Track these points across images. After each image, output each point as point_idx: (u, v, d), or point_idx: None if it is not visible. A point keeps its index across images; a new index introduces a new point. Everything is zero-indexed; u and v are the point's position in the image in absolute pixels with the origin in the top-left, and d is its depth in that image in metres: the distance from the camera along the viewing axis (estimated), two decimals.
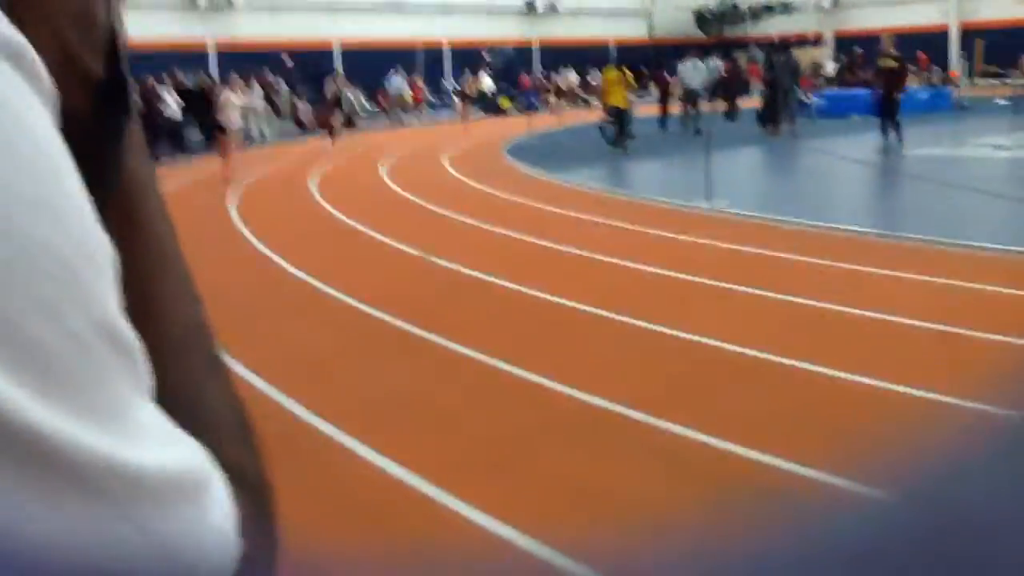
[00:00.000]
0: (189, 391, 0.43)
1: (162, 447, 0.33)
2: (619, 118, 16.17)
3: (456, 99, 27.64)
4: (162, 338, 0.41)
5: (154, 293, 0.44)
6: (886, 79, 14.40)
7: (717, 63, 24.31)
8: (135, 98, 0.46)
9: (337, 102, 20.78)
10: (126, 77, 0.44)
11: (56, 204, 0.31)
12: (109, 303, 0.33)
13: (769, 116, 18.25)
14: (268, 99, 23.18)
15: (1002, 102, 22.17)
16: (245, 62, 24.28)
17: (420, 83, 29.62)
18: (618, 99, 16.17)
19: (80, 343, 0.31)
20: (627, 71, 16.74)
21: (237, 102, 14.94)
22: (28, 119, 0.31)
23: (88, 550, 0.30)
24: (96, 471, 0.30)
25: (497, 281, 6.95)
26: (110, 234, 0.34)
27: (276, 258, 8.17)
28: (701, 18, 39.51)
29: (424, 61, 30.29)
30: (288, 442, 4.01)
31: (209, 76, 23.09)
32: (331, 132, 19.39)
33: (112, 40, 0.44)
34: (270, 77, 24.67)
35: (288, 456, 3.81)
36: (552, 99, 26.14)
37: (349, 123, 25.42)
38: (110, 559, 0.30)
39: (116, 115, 0.44)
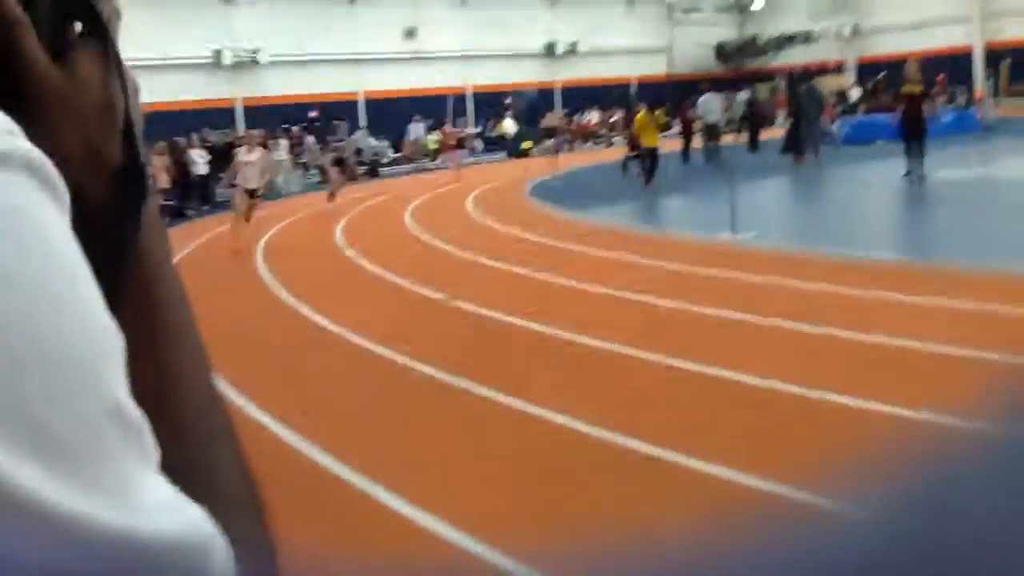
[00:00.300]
0: (202, 460, 0.45)
1: (167, 516, 0.36)
2: (651, 157, 16.28)
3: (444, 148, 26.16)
4: (177, 410, 0.45)
5: (169, 367, 0.46)
6: (910, 104, 14.26)
7: (744, 96, 24.37)
8: (150, 180, 0.48)
9: (339, 158, 18.60)
10: (143, 163, 0.46)
11: (68, 300, 0.34)
12: (116, 387, 0.35)
13: (793, 146, 18.19)
14: (293, 152, 23.49)
15: None
16: (272, 117, 24.68)
17: (450, 129, 29.91)
18: (650, 139, 16.35)
19: (89, 426, 0.33)
20: (657, 112, 16.98)
21: (250, 159, 12.73)
22: (44, 224, 0.34)
23: None
24: (107, 542, 0.32)
25: (522, 323, 6.92)
26: (127, 312, 0.37)
27: (301, 306, 8.18)
28: (721, 52, 39.63)
29: (451, 107, 30.59)
30: (311, 490, 3.98)
31: (235, 133, 23.47)
32: (331, 191, 17.23)
33: (129, 127, 0.46)
34: (296, 131, 25.00)
35: (311, 504, 3.77)
36: (548, 142, 25.24)
37: (373, 172, 25.69)
38: None
39: (134, 199, 0.46)
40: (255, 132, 14.37)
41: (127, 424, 0.36)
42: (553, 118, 26.70)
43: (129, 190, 0.45)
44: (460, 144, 25.53)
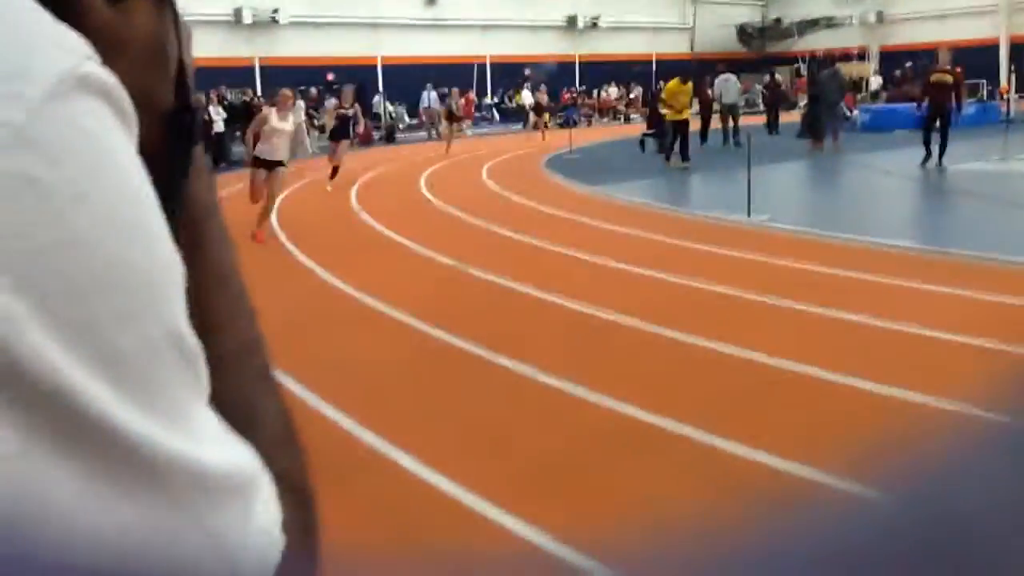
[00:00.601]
0: (243, 401, 0.46)
1: (218, 448, 0.36)
2: (680, 132, 15.59)
3: (443, 119, 23.42)
4: (220, 351, 0.44)
5: (213, 310, 0.46)
6: (938, 93, 14.08)
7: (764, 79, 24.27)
8: (200, 125, 0.49)
9: (344, 121, 14.62)
10: (194, 107, 0.47)
11: (138, 224, 0.35)
12: (179, 314, 0.36)
13: (811, 130, 18.07)
14: (309, 114, 23.47)
15: None
16: (289, 78, 24.59)
17: (472, 98, 29.90)
18: (683, 112, 15.51)
19: (153, 349, 0.34)
20: (688, 84, 15.93)
21: (281, 126, 9.66)
22: (118, 150, 0.35)
23: (150, 537, 0.33)
24: (163, 465, 0.33)
25: (540, 295, 6.91)
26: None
27: (320, 271, 8.21)
28: (743, 34, 39.32)
29: (466, 76, 30.45)
30: (337, 457, 3.99)
31: (252, 92, 23.41)
32: (333, 164, 14.27)
33: (182, 72, 0.47)
34: (314, 92, 24.94)
35: (338, 471, 3.79)
36: (533, 118, 23.23)
37: (390, 138, 25.64)
38: (168, 546, 0.33)
39: (184, 143, 0.47)
40: (288, 91, 10.38)
41: (186, 351, 0.36)
42: (540, 95, 25.20)
43: (180, 133, 0.46)
44: (452, 117, 22.70)
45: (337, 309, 6.84)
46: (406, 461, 3.88)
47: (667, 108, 15.79)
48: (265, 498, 0.38)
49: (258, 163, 9.71)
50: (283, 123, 9.62)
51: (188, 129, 0.47)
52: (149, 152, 0.40)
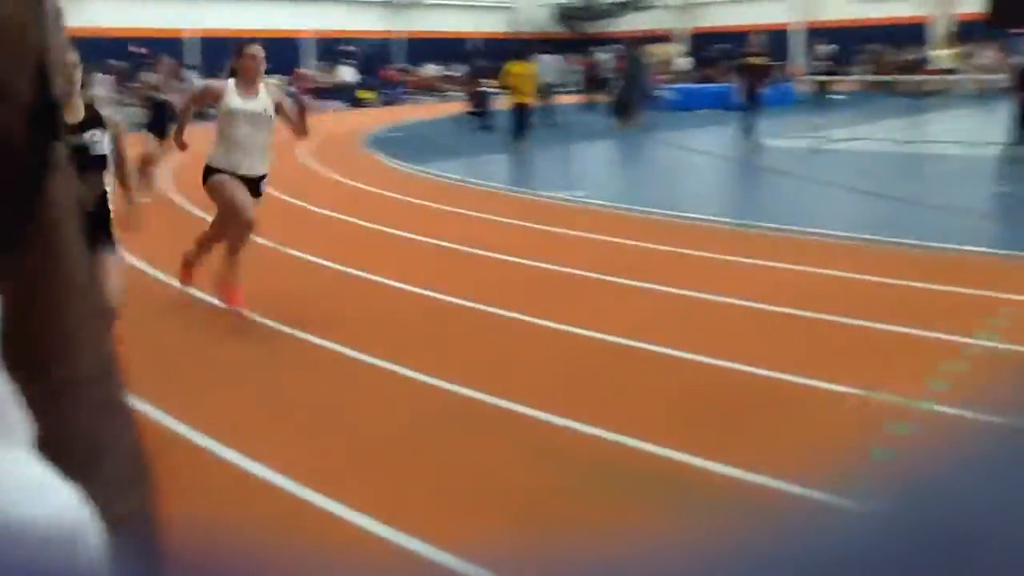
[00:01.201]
0: (84, 435, 0.43)
1: (33, 498, 0.33)
2: (524, 113, 15.17)
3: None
4: (68, 373, 0.42)
5: (63, 327, 0.43)
6: (751, 75, 15.10)
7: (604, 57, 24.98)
8: (62, 119, 0.45)
9: (158, 108, 11.07)
10: (56, 100, 0.44)
11: None
12: None
13: (622, 109, 18.80)
14: (118, 90, 22.19)
15: (841, 97, 23.50)
16: (92, 51, 23.15)
17: (310, 73, 29.17)
18: (527, 94, 15.07)
19: None
20: (530, 63, 15.64)
21: (252, 108, 5.66)
22: None
23: None
24: None
25: (362, 274, 6.90)
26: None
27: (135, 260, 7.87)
28: (563, 14, 40.15)
29: (287, 51, 29.63)
30: (162, 457, 3.88)
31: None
32: (143, 167, 9.83)
33: (43, 63, 0.43)
34: (122, 67, 23.62)
35: (160, 470, 3.70)
36: (308, 98, 21.30)
37: (202, 114, 24.59)
38: None
39: (45, 137, 0.43)
40: (257, 48, 5.75)
41: None
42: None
43: (39, 128, 0.43)
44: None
45: (149, 297, 6.62)
46: (227, 452, 3.79)
47: (510, 90, 15.20)
48: (89, 547, 0.36)
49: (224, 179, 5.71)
50: (253, 103, 5.62)
51: (49, 123, 0.43)
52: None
